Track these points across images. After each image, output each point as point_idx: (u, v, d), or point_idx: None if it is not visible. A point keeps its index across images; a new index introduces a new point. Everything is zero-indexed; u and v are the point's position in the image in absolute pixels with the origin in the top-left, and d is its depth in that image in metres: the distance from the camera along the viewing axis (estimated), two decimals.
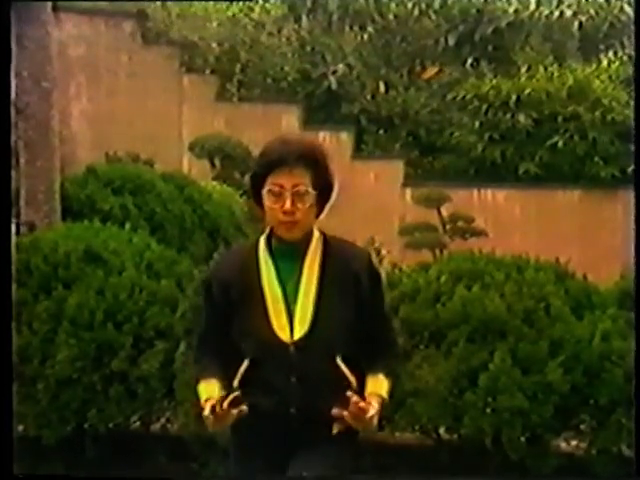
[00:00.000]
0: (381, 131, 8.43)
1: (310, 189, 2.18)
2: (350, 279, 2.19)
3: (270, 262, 2.22)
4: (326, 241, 2.25)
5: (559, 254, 4.24)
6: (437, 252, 6.65)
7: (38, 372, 3.94)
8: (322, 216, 2.29)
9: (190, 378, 3.82)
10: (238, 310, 2.22)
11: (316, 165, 2.21)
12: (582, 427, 3.74)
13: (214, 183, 7.35)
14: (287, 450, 2.23)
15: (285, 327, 2.18)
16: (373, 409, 2.15)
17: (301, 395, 2.19)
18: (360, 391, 2.23)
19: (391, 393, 2.29)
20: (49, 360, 3.95)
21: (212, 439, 3.85)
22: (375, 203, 7.69)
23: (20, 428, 3.93)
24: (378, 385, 2.24)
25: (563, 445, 3.85)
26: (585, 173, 7.70)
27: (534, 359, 3.61)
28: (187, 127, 8.24)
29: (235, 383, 2.25)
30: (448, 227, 7.01)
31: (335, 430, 2.21)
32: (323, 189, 2.22)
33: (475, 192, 7.87)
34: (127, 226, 4.80)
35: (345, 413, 2.10)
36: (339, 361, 2.19)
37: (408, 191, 7.80)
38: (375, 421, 2.18)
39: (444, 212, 7.08)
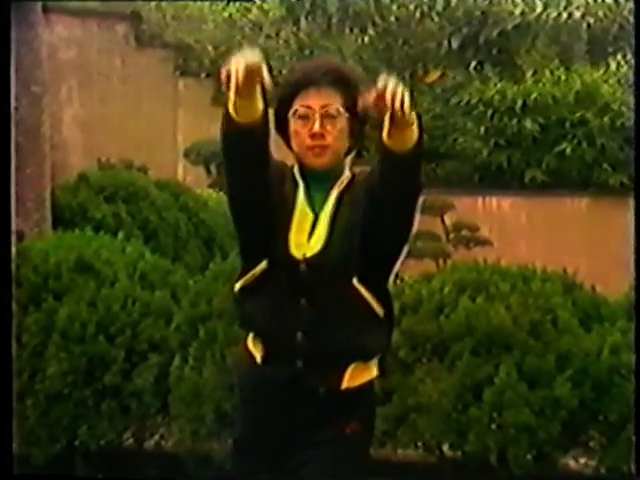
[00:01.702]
0: None
1: (341, 110, 2.06)
2: (369, 192, 2.01)
3: (302, 185, 2.11)
4: (354, 177, 2.12)
5: (567, 264, 4.24)
6: (440, 262, 6.66)
7: (27, 387, 3.94)
8: (355, 152, 2.17)
9: (185, 393, 3.84)
10: (266, 210, 2.05)
11: (347, 85, 2.08)
12: (591, 444, 3.74)
13: (210, 191, 7.37)
14: (291, 409, 2.06)
15: (302, 245, 2.05)
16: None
17: (311, 320, 2.04)
18: (387, 321, 2.08)
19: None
20: (38, 375, 3.95)
21: (208, 456, 3.86)
22: None
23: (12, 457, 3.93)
24: None
25: (571, 463, 3.85)
26: (593, 180, 7.71)
27: (541, 373, 3.61)
28: (182, 132, 8.25)
29: (237, 286, 2.10)
30: (452, 236, 7.02)
31: (345, 384, 2.03)
32: (356, 113, 2.06)
33: (480, 200, 7.88)
34: (120, 235, 4.81)
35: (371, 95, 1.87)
36: (356, 282, 2.04)
37: None
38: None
39: (447, 220, 7.09)
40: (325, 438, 2.08)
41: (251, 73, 1.91)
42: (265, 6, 9.12)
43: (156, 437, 4.15)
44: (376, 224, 2.02)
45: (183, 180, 7.63)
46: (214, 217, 6.62)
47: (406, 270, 5.01)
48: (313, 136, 2.05)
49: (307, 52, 8.69)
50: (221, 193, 7.39)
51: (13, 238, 4.46)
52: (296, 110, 2.07)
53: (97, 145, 7.83)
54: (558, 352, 3.65)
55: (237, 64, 1.93)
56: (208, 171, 7.84)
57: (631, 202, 7.23)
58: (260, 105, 1.98)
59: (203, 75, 8.46)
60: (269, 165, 2.06)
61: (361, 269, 2.04)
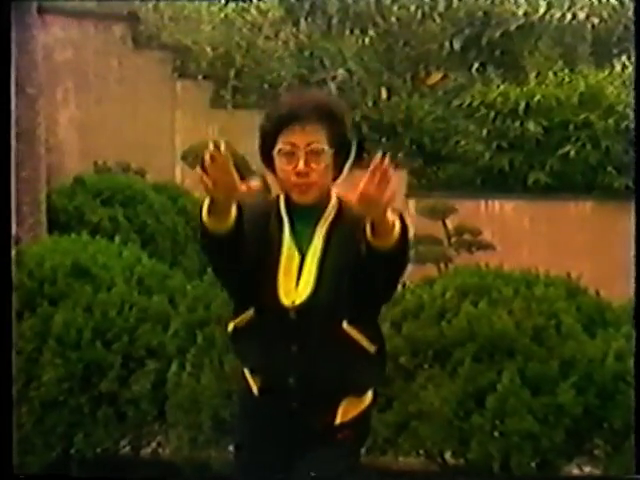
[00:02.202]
0: (383, 139, 8.46)
1: (326, 147, 2.08)
2: (358, 237, 2.02)
3: (287, 222, 2.13)
4: (341, 206, 2.15)
5: (570, 269, 4.25)
6: (442, 266, 6.66)
7: (22, 394, 3.94)
8: (341, 178, 2.19)
9: (183, 400, 3.85)
10: (252, 257, 2.08)
11: (332, 120, 2.09)
12: (596, 452, 3.74)
13: None
14: (285, 445, 2.15)
15: (291, 292, 2.09)
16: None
17: (303, 365, 2.09)
18: (378, 357, 2.13)
19: None
20: (34, 381, 3.95)
21: (206, 464, 3.86)
22: None
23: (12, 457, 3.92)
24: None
25: (575, 471, 3.85)
26: (598, 183, 7.72)
27: (544, 379, 3.61)
28: (180, 135, 8.26)
29: (230, 326, 2.16)
30: (453, 240, 7.02)
31: (339, 419, 2.10)
32: (341, 147, 2.12)
33: (482, 203, 7.89)
34: (117, 239, 4.82)
35: (353, 195, 1.90)
36: (346, 325, 2.07)
37: (411, 202, 7.82)
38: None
39: (449, 224, 7.10)
40: (319, 445, 2.14)
41: (217, 159, 1.91)
42: (264, 6, 9.14)
43: (153, 445, 4.14)
44: (363, 281, 2.04)
45: (181, 183, 7.63)
46: None
47: (407, 275, 5.03)
48: (298, 174, 2.07)
49: (307, 53, 8.71)
50: None
51: (12, 243, 4.46)
52: (281, 149, 2.09)
53: (93, 148, 7.84)
54: (562, 358, 3.65)
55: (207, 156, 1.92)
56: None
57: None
58: (232, 217, 1.99)
59: (201, 77, 8.47)
60: (246, 245, 2.05)
61: (351, 312, 2.08)
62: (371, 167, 1.92)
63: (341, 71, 8.49)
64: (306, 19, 8.97)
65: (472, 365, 3.64)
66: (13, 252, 4.50)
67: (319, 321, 2.08)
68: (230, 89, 8.40)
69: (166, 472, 3.99)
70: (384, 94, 8.59)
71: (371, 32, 8.89)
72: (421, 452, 3.80)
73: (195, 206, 6.64)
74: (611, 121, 7.72)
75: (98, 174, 7.10)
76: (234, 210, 1.99)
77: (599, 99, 7.89)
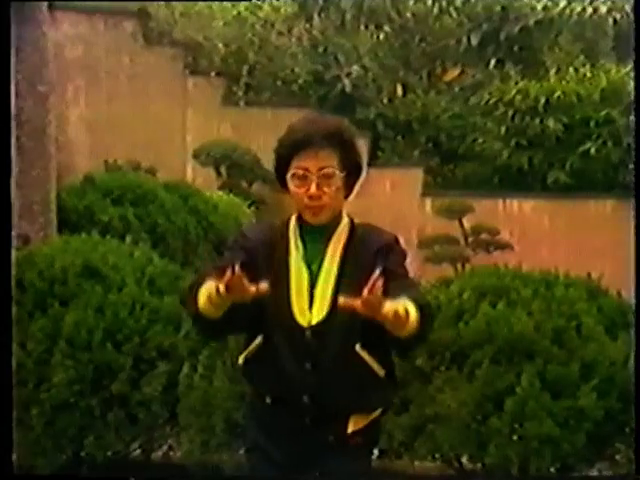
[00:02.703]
0: (399, 137, 8.45)
1: (337, 171, 2.21)
2: (372, 260, 2.16)
3: (299, 242, 2.26)
4: (353, 226, 2.29)
5: (591, 269, 4.23)
6: (459, 266, 6.65)
7: (32, 396, 3.96)
8: (352, 197, 2.31)
9: (195, 403, 3.86)
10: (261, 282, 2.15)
11: (343, 145, 2.23)
12: (617, 457, 3.73)
13: (220, 193, 7.40)
14: (298, 449, 2.26)
15: (305, 311, 2.21)
16: (391, 305, 2.00)
17: (315, 383, 2.20)
18: (388, 381, 2.26)
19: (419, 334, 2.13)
20: (44, 383, 3.97)
21: (217, 467, 3.87)
22: (392, 214, 7.69)
23: (12, 457, 3.95)
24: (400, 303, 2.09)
25: (597, 476, 3.83)
26: (619, 182, 7.68)
27: (564, 382, 3.60)
28: (191, 133, 8.29)
29: (241, 359, 2.29)
30: (471, 240, 7.01)
31: (351, 428, 2.23)
32: (351, 170, 2.24)
33: (500, 202, 7.87)
34: (128, 239, 4.84)
35: (357, 302, 1.98)
36: (359, 348, 2.20)
37: (428, 201, 7.82)
38: (397, 318, 2.02)
39: (466, 224, 7.09)
40: (330, 452, 2.26)
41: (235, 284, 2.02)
42: (276, 3, 9.15)
43: (164, 448, 4.16)
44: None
45: (192, 182, 7.66)
46: (224, 220, 6.65)
47: (423, 275, 5.02)
48: (311, 197, 2.20)
49: (320, 50, 8.71)
50: (231, 195, 7.42)
51: (14, 243, 4.49)
52: (294, 173, 2.21)
53: (104, 146, 7.88)
54: (582, 360, 3.63)
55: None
56: (218, 173, 7.87)
57: None
58: (224, 309, 2.11)
59: (213, 74, 8.49)
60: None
61: (365, 336, 2.19)
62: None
63: (356, 67, 8.49)
64: (320, 15, 8.97)
65: (490, 367, 3.63)
66: (21, 253, 4.53)
67: (333, 342, 2.20)
68: (243, 86, 8.41)
69: (177, 475, 4.00)
70: (400, 91, 8.59)
71: (386, 27, 8.88)
72: (437, 456, 3.79)
73: (206, 205, 6.67)
74: (633, 117, 7.67)
75: (108, 173, 7.13)
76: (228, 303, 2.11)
77: (621, 95, 7.85)
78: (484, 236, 6.98)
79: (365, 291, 1.96)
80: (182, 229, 6.28)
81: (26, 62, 5.59)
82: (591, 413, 3.54)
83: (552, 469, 3.61)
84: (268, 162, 7.51)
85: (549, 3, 8.81)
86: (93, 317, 4.00)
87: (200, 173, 7.96)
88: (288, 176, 2.22)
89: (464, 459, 3.80)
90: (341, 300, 2.03)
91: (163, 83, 8.30)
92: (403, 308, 2.03)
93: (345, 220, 2.29)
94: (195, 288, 2.17)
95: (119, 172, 7.16)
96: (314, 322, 2.21)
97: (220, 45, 8.62)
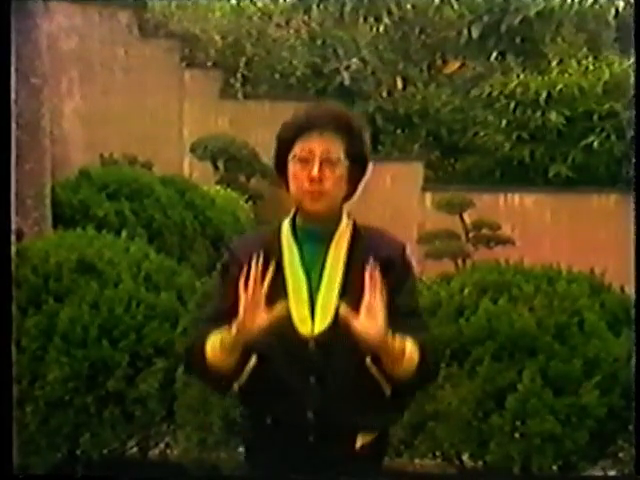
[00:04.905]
0: (399, 131, 8.46)
1: (342, 157, 2.12)
2: (379, 267, 2.02)
3: (294, 246, 2.15)
4: (355, 228, 2.19)
5: (594, 264, 4.23)
6: (460, 262, 6.65)
7: (26, 393, 3.95)
8: (354, 198, 2.22)
9: (192, 400, 3.85)
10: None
11: (350, 132, 2.14)
12: (620, 455, 3.73)
13: (217, 187, 7.40)
14: (304, 469, 2.16)
15: (306, 320, 2.09)
16: (393, 338, 1.98)
17: (321, 399, 2.08)
18: (394, 404, 2.16)
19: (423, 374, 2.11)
20: (39, 380, 3.96)
21: (214, 465, 3.87)
22: (392, 209, 7.70)
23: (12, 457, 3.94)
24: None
25: (599, 474, 3.84)
26: (622, 176, 7.68)
27: (567, 379, 3.59)
28: (188, 127, 8.29)
29: (235, 387, 2.16)
30: (472, 235, 7.01)
31: (359, 444, 2.13)
32: (356, 160, 2.15)
33: (501, 196, 7.87)
34: (123, 234, 4.82)
35: (355, 322, 1.94)
36: (369, 362, 2.06)
37: (428, 195, 7.82)
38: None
39: (467, 218, 7.08)
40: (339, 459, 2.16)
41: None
42: None
43: (161, 446, 4.16)
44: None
45: (189, 176, 7.66)
46: (221, 215, 6.65)
47: (424, 271, 5.02)
48: (311, 180, 2.10)
49: (319, 42, 8.70)
50: (229, 190, 7.42)
51: (13, 238, 4.48)
52: (296, 154, 2.12)
53: (99, 140, 7.87)
54: (585, 357, 3.63)
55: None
56: (215, 167, 7.87)
57: None
58: (237, 355, 2.06)
59: (210, 66, 8.49)
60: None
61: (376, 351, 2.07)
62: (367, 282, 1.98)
63: (355, 60, 8.48)
64: (318, 7, 8.96)
65: (491, 364, 3.63)
66: (15, 248, 4.52)
67: (340, 353, 2.08)
68: (240, 79, 8.41)
69: (174, 474, 4.00)
70: (399, 84, 8.59)
71: (386, 20, 8.88)
72: (438, 454, 3.79)
73: (203, 200, 6.66)
74: (634, 110, 7.67)
75: (104, 167, 7.13)
76: (241, 349, 2.06)
77: (624, 88, 7.84)
78: (485, 231, 6.98)
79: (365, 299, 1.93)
80: (179, 224, 6.28)
81: (19, 54, 5.58)
82: (594, 410, 3.54)
83: (554, 467, 3.61)
84: (266, 156, 7.52)
85: None
86: (88, 313, 3.99)
87: (197, 167, 7.95)
88: (289, 157, 2.12)
89: (465, 457, 3.80)
90: (342, 310, 1.97)
91: (159, 76, 8.28)
92: (403, 344, 2.01)
93: (345, 221, 2.19)
94: (199, 342, 2.09)
95: (115, 166, 7.16)
96: (317, 331, 2.08)
97: (217, 37, 8.61)
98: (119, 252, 4.40)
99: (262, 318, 1.98)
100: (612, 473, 3.83)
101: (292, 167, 2.13)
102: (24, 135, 5.63)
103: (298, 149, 2.11)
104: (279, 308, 1.99)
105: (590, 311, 3.77)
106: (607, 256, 6.68)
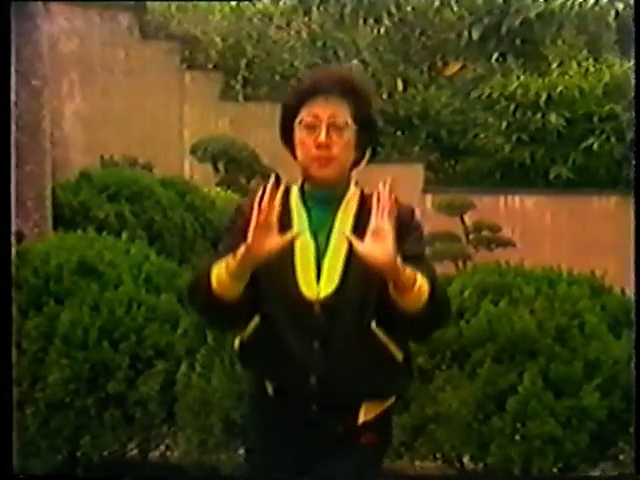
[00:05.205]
0: (399, 132, 8.46)
1: (349, 122, 2.07)
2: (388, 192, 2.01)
3: (302, 210, 2.12)
4: (363, 195, 2.16)
5: (594, 266, 4.23)
6: (460, 264, 6.65)
7: (27, 396, 3.95)
8: (363, 164, 2.19)
9: (192, 402, 3.85)
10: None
11: (357, 96, 2.10)
12: (621, 457, 3.73)
13: (218, 189, 7.39)
14: (303, 447, 2.12)
15: (312, 283, 2.05)
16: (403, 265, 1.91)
17: (325, 364, 2.04)
18: (405, 367, 2.11)
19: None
20: (39, 382, 3.96)
21: (215, 468, 3.87)
22: None
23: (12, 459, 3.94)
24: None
25: (596, 476, 3.84)
26: (622, 177, 7.68)
27: (567, 381, 3.59)
28: (189, 128, 8.28)
29: (236, 343, 2.14)
30: (472, 236, 7.01)
31: (361, 419, 2.08)
32: (364, 124, 2.10)
33: (502, 198, 7.87)
34: (124, 236, 4.83)
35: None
36: (374, 326, 2.04)
37: (428, 197, 7.81)
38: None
39: (468, 220, 7.08)
40: (340, 450, 2.12)
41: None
42: None
43: (162, 448, 4.16)
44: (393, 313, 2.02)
45: (190, 178, 7.65)
46: (222, 217, 6.63)
47: None
48: (319, 146, 2.07)
49: (319, 44, 8.71)
50: (229, 192, 7.42)
51: (13, 239, 4.48)
52: (302, 119, 2.09)
53: (100, 142, 7.87)
54: (586, 359, 3.63)
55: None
56: (216, 169, 7.86)
57: None
58: (243, 285, 2.00)
59: (210, 68, 8.49)
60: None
61: (379, 313, 2.05)
62: (375, 199, 1.94)
63: (355, 62, 8.49)
64: (318, 8, 8.96)
65: (492, 366, 3.63)
66: (15, 250, 4.52)
67: (345, 317, 2.04)
68: (241, 80, 8.41)
69: (175, 476, 4.00)
70: (400, 86, 8.59)
71: (386, 21, 8.88)
72: (438, 456, 3.79)
73: (204, 201, 6.66)
74: (634, 112, 7.67)
75: (104, 169, 7.12)
76: (249, 274, 2.00)
77: (625, 90, 7.84)
78: (486, 233, 6.98)
79: (373, 218, 1.87)
80: (179, 226, 6.28)
81: (20, 56, 5.58)
82: (594, 412, 3.54)
83: (555, 469, 3.61)
84: (267, 158, 7.52)
85: None
86: (89, 315, 3.99)
87: (197, 169, 7.95)
88: (296, 123, 2.08)
89: (465, 459, 3.79)
90: (348, 235, 1.94)
91: (160, 77, 8.28)
92: (414, 274, 1.94)
93: (353, 189, 2.14)
94: (204, 272, 2.02)
95: (115, 168, 7.15)
96: (323, 295, 2.04)
97: (218, 39, 8.62)
98: (119, 254, 4.40)
99: (274, 241, 1.93)
100: (612, 474, 3.83)
101: (298, 133, 2.10)
102: (24, 137, 5.63)
103: (304, 115, 2.08)
104: (291, 233, 1.95)
105: (591, 313, 3.77)
106: (608, 258, 6.69)
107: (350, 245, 2.00)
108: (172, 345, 3.97)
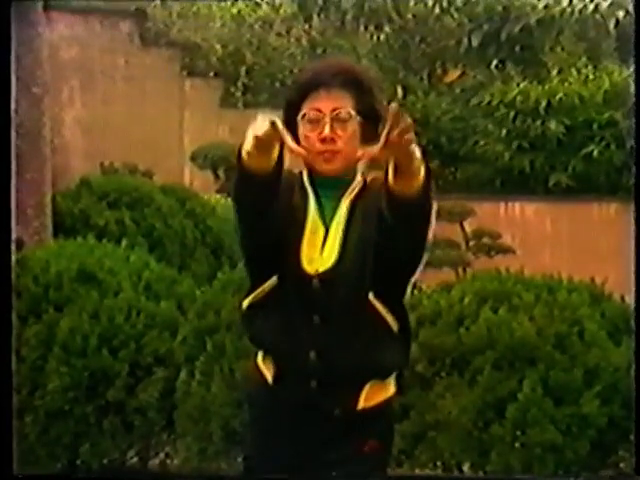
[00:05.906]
0: None
1: (353, 113, 2.05)
2: (381, 205, 1.97)
3: (312, 197, 2.12)
4: (366, 183, 2.14)
5: (594, 273, 4.23)
6: (460, 271, 6.65)
7: (26, 403, 3.96)
8: (369, 157, 2.12)
9: (192, 409, 3.85)
10: (275, 227, 2.05)
11: (359, 87, 2.08)
12: (622, 465, 3.72)
13: (218, 196, 7.39)
14: (304, 433, 2.09)
15: (313, 261, 2.07)
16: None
17: (324, 338, 2.06)
18: (401, 336, 2.10)
19: None
20: (38, 390, 3.96)
21: (216, 476, 3.86)
22: None
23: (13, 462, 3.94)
24: None
25: (600, 476, 3.83)
26: (622, 185, 7.69)
27: (567, 389, 3.59)
28: (189, 135, 8.30)
29: (245, 303, 2.13)
30: (472, 243, 7.02)
31: (361, 404, 2.06)
32: (368, 116, 2.07)
33: (502, 205, 7.87)
34: (124, 243, 4.83)
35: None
36: (372, 297, 2.04)
37: None
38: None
39: (467, 227, 7.09)
40: (342, 457, 2.10)
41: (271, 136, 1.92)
42: (276, 2, 9.16)
43: (161, 455, 4.15)
44: (387, 248, 2.02)
45: (190, 185, 7.66)
46: (222, 224, 6.64)
47: (424, 280, 5.01)
48: (323, 140, 2.05)
49: (320, 51, 8.73)
50: (229, 199, 7.42)
51: (13, 247, 4.48)
52: (305, 114, 2.07)
53: (100, 149, 7.88)
54: (586, 366, 3.63)
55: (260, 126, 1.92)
56: (216, 176, 7.87)
57: None
58: (274, 157, 1.97)
59: (211, 75, 8.51)
60: (278, 200, 2.04)
61: (376, 284, 2.05)
62: (390, 118, 1.83)
63: None
64: (319, 15, 8.98)
65: (492, 373, 3.62)
66: (15, 257, 4.52)
67: (344, 290, 2.06)
68: (241, 87, 8.43)
69: None
70: (400, 92, 8.59)
71: (386, 28, 8.90)
72: (438, 464, 3.78)
73: (204, 208, 6.66)
74: (634, 119, 7.68)
75: (104, 176, 7.13)
76: (277, 146, 1.96)
77: (624, 97, 7.86)
78: (485, 240, 6.98)
79: (385, 131, 1.79)
80: (179, 233, 6.28)
81: (20, 63, 5.59)
82: (594, 420, 3.53)
83: (555, 477, 3.61)
84: None
85: (550, 1, 8.83)
86: (88, 323, 3.99)
87: (198, 176, 7.96)
88: (299, 118, 2.07)
89: (465, 467, 3.79)
90: (360, 152, 1.90)
91: (160, 84, 8.30)
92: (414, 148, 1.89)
93: (359, 178, 2.12)
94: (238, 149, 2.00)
95: (115, 175, 7.16)
96: (321, 270, 2.05)
97: (218, 46, 8.64)
98: (119, 261, 4.41)
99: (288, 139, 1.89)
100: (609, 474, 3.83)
101: (302, 128, 2.08)
102: (25, 144, 5.64)
103: (306, 109, 2.06)
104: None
105: (590, 320, 3.77)
106: (607, 265, 6.68)
107: (347, 222, 2.06)
108: (172, 352, 3.97)
